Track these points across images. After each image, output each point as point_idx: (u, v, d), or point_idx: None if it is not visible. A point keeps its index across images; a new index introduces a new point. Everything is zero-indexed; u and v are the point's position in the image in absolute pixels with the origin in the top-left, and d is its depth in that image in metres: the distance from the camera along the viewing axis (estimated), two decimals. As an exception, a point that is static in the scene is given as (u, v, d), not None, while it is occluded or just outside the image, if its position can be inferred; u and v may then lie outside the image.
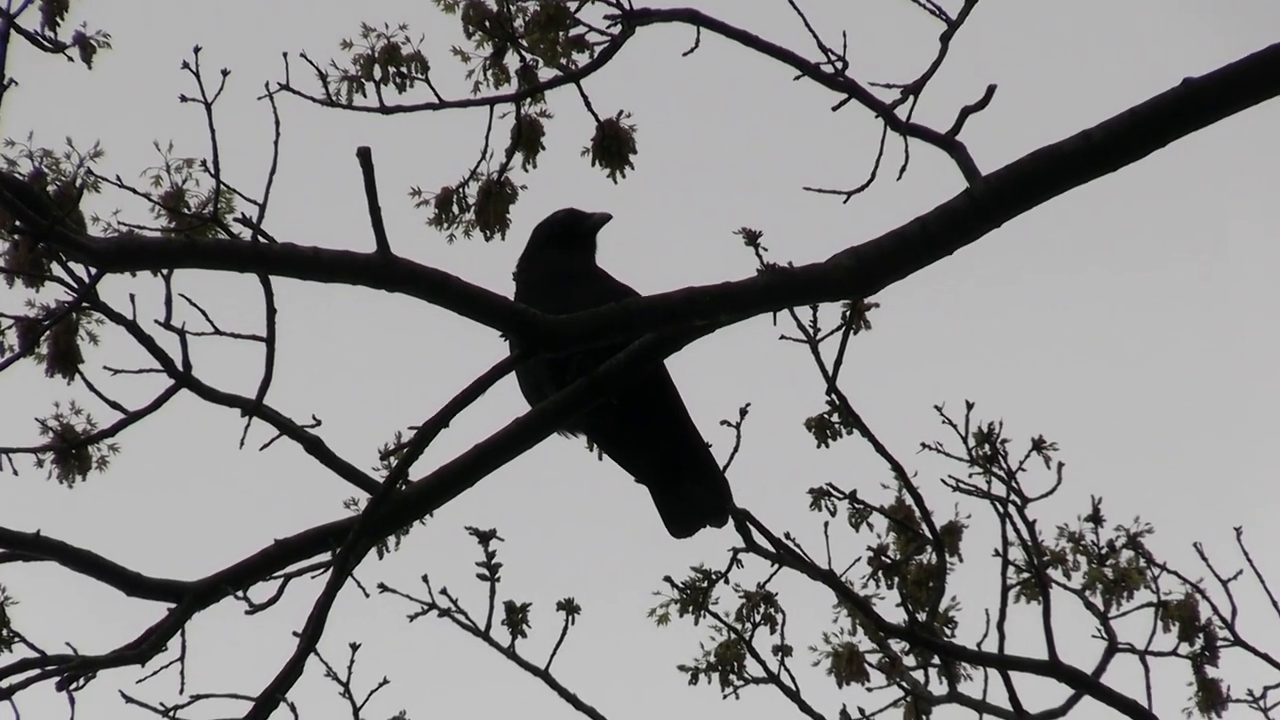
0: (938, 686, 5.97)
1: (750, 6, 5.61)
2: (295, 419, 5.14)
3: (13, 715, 4.81)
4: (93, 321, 5.58)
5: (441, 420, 4.50)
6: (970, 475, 5.81)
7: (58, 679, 4.69)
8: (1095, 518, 6.03)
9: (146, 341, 5.27)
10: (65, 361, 5.57)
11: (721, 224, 5.47)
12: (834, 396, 5.61)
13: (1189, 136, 4.61)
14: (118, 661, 4.74)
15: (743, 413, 5.36)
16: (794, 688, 5.86)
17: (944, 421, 5.81)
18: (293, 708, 5.00)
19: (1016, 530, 5.79)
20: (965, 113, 5.16)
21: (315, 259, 4.46)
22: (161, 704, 4.70)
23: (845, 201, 5.48)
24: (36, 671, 4.74)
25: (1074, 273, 8.80)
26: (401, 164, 5.81)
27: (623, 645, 6.75)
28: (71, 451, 5.56)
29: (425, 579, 5.78)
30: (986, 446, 5.79)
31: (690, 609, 5.84)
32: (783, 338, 5.52)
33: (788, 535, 5.61)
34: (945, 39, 5.50)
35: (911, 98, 5.42)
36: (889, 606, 5.77)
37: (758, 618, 5.87)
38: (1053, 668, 5.57)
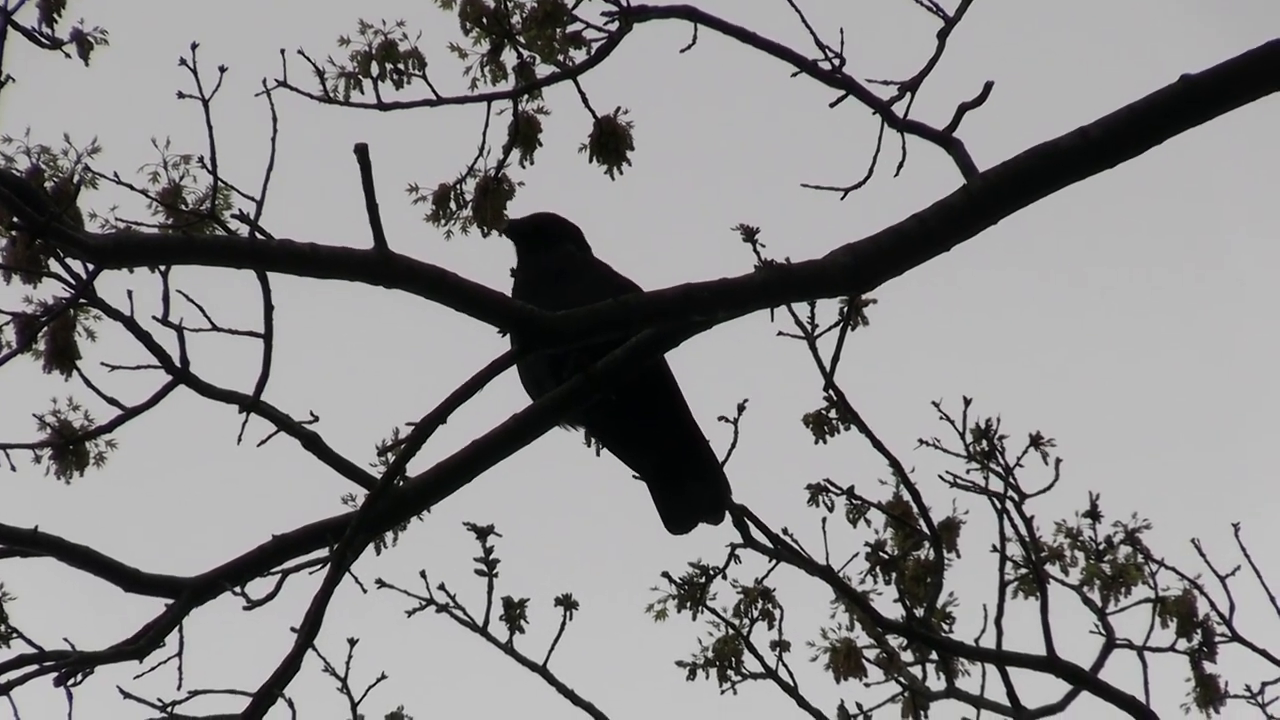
0: (935, 682, 5.98)
1: (748, 3, 5.61)
2: (293, 415, 5.14)
3: (10, 711, 4.81)
4: (90, 318, 5.59)
5: (439, 416, 4.50)
6: (968, 471, 5.81)
7: (55, 675, 4.69)
8: (1093, 514, 6.03)
9: (144, 338, 5.27)
10: (63, 358, 5.57)
11: (719, 220, 5.48)
12: (831, 392, 5.62)
13: (1187, 133, 4.61)
14: (116, 657, 4.74)
15: (740, 409, 5.36)
16: (792, 683, 5.87)
17: (942, 417, 5.81)
18: (290, 703, 5.00)
19: (1014, 526, 5.79)
20: (963, 109, 5.17)
21: (313, 255, 4.46)
22: (159, 700, 4.70)
23: (843, 198, 5.49)
24: (34, 667, 4.74)
25: (1071, 269, 8.81)
26: (399, 160, 5.81)
27: (621, 641, 6.76)
28: (69, 447, 5.56)
29: (423, 574, 5.78)
30: (984, 442, 5.79)
31: (688, 604, 5.84)
32: (780, 334, 5.53)
33: (785, 531, 5.61)
34: (942, 36, 5.50)
35: (909, 94, 5.42)
36: (887, 602, 5.77)
37: (755, 613, 5.87)
38: (1051, 663, 5.57)
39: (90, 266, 5.18)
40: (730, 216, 5.40)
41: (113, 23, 5.64)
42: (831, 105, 5.49)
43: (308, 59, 5.78)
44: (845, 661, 5.93)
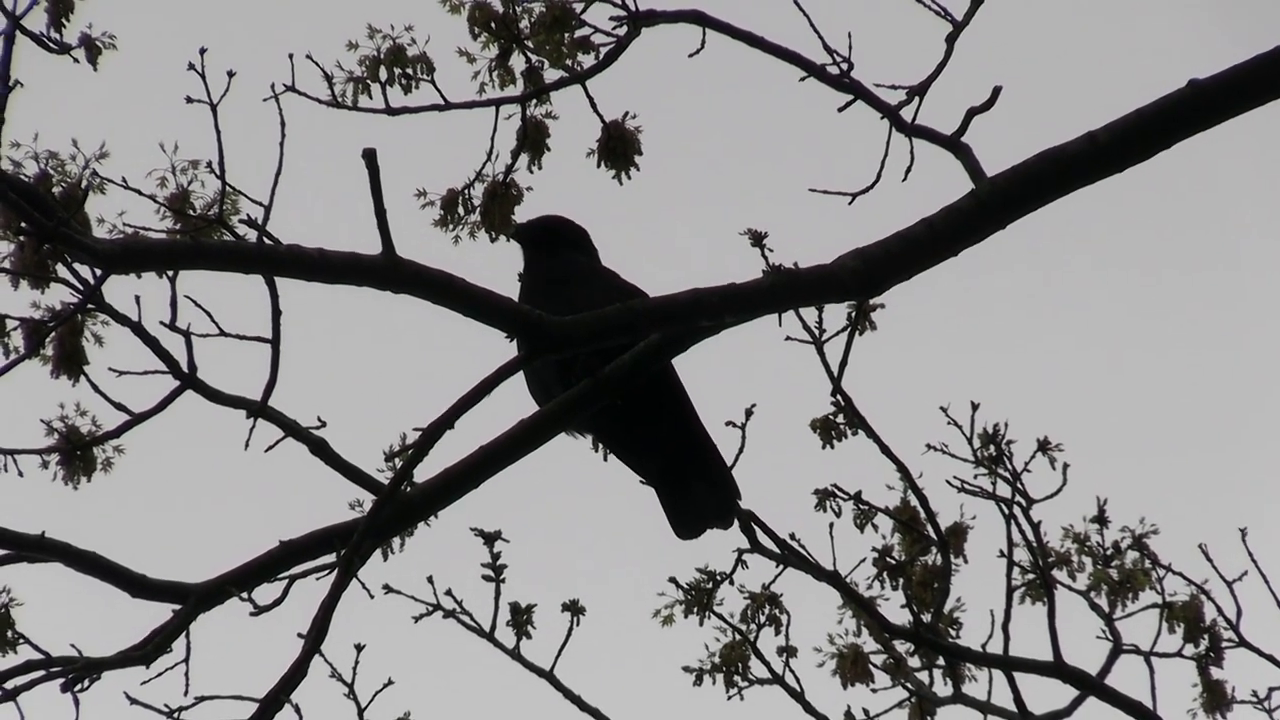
0: (942, 687, 5.97)
1: (756, 8, 5.61)
2: (300, 420, 5.14)
3: (17, 717, 4.81)
4: (98, 323, 5.59)
5: (447, 422, 4.50)
6: (975, 476, 5.80)
7: (62, 680, 4.69)
8: (1100, 519, 6.02)
9: (152, 343, 5.27)
10: (70, 363, 5.57)
11: (727, 225, 5.47)
12: (839, 397, 5.61)
13: (1196, 137, 4.61)
14: (122, 663, 4.74)
15: (748, 414, 5.36)
16: (799, 689, 5.86)
17: (949, 423, 5.81)
18: (297, 709, 4.99)
19: (1021, 531, 5.78)
20: (971, 114, 5.17)
21: (320, 260, 4.46)
22: (166, 705, 4.70)
23: (850, 203, 5.49)
24: (41, 673, 4.75)
25: (1078, 274, 8.80)
26: (407, 165, 5.81)
27: (628, 646, 6.75)
28: (76, 453, 5.56)
29: (430, 580, 5.78)
30: (992, 448, 5.79)
31: (695, 610, 5.83)
32: (788, 339, 5.52)
33: (793, 536, 5.61)
34: (951, 40, 5.50)
35: (917, 99, 5.42)
36: (894, 607, 5.76)
37: (762, 619, 5.86)
38: (1057, 669, 5.56)
39: (98, 272, 5.18)
40: (738, 221, 5.39)
41: (121, 28, 5.64)
42: (840, 110, 5.49)
43: (316, 64, 5.78)
44: (852, 667, 5.93)
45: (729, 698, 5.90)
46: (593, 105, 5.84)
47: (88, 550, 4.92)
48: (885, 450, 5.66)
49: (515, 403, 5.35)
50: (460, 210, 5.94)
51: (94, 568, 4.91)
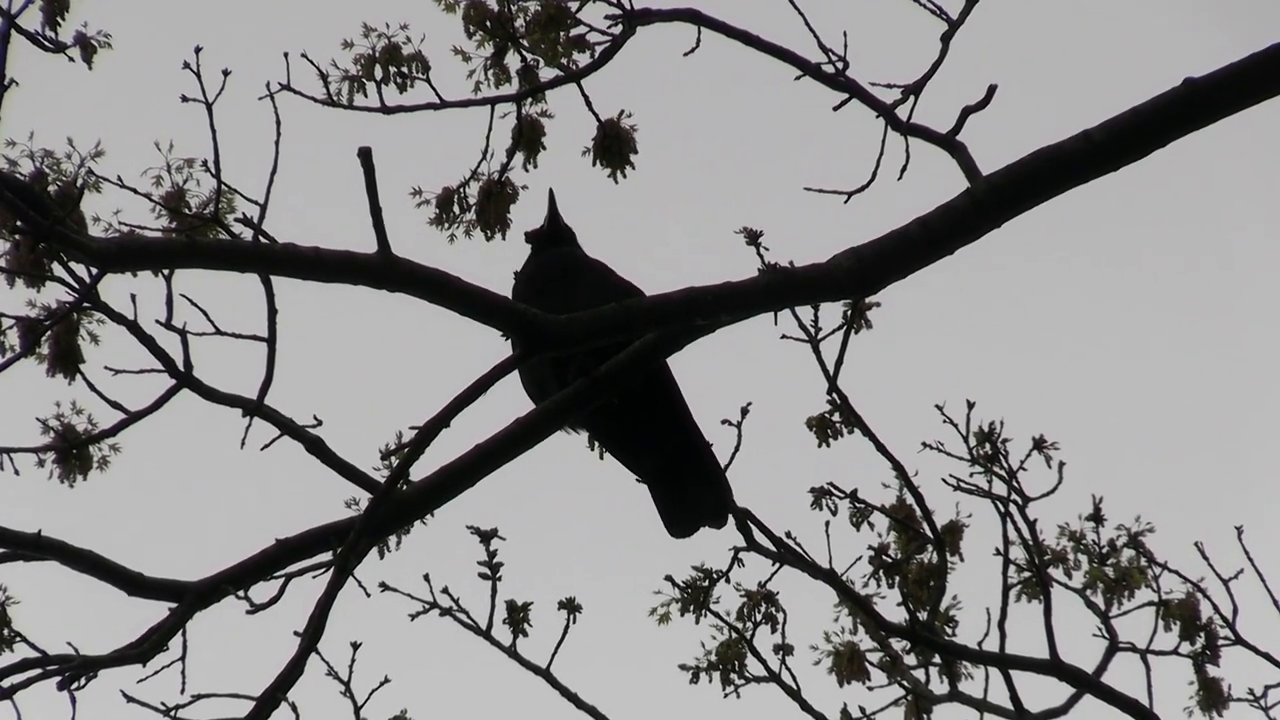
0: (939, 685, 5.98)
1: (751, 7, 5.62)
2: (296, 419, 5.14)
3: (14, 715, 4.81)
4: (94, 321, 5.59)
5: (442, 420, 4.51)
6: (971, 474, 5.81)
7: (59, 679, 4.69)
8: (1096, 517, 6.03)
9: (147, 341, 5.27)
10: (66, 361, 5.57)
11: (723, 224, 5.48)
12: (835, 396, 5.61)
13: (1192, 136, 4.61)
14: (119, 661, 4.74)
15: (744, 412, 5.36)
16: (795, 687, 5.87)
17: (945, 421, 5.81)
18: (294, 707, 4.99)
19: (1017, 529, 5.79)
20: (966, 112, 5.17)
21: (316, 259, 4.46)
22: (163, 703, 4.70)
23: (846, 201, 5.49)
24: (38, 671, 4.74)
25: (1075, 272, 8.81)
26: (402, 164, 5.81)
27: (624, 644, 6.76)
28: (73, 451, 5.56)
29: (427, 578, 5.78)
30: (987, 446, 5.79)
31: (691, 608, 5.84)
32: (784, 337, 5.52)
33: (789, 534, 5.61)
34: (946, 39, 5.51)
35: (912, 98, 5.42)
36: (890, 606, 5.77)
37: (759, 617, 5.87)
38: (1054, 667, 5.57)
39: (94, 270, 5.19)
40: (734, 220, 5.39)
41: (116, 26, 5.65)
42: (835, 109, 5.50)
43: (311, 62, 5.78)
44: (848, 665, 5.93)
45: (725, 695, 5.90)
46: (588, 104, 5.84)
47: (84, 548, 4.92)
48: (881, 448, 5.67)
49: (511, 401, 5.36)
50: (456, 209, 5.94)
51: (90, 566, 4.91)
